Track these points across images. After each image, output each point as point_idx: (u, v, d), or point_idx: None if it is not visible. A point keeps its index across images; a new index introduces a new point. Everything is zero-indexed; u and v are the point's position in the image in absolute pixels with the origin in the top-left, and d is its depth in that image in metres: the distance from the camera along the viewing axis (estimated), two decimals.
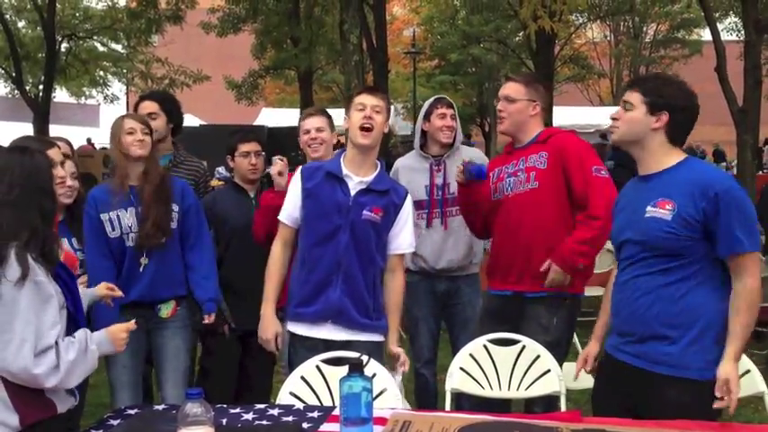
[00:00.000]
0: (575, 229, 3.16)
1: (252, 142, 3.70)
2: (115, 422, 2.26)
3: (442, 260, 3.74)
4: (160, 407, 2.47)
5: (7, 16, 18.09)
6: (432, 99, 3.87)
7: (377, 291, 2.95)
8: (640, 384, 2.38)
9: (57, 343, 2.07)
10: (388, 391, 2.64)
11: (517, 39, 21.49)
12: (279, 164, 3.31)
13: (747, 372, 2.68)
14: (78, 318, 2.29)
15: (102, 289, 2.85)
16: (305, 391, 2.71)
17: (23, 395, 2.08)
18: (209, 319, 3.26)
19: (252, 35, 19.37)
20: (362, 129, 2.87)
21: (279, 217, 3.03)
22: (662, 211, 2.34)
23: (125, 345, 2.36)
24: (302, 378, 2.74)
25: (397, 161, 4.02)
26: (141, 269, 3.15)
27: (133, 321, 2.40)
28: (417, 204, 3.57)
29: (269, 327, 2.95)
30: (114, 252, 3.15)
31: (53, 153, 2.81)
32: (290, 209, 2.97)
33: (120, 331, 2.32)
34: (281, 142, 12.92)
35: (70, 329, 2.20)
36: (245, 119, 20.39)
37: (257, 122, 20.30)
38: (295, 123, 14.77)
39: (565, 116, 18.60)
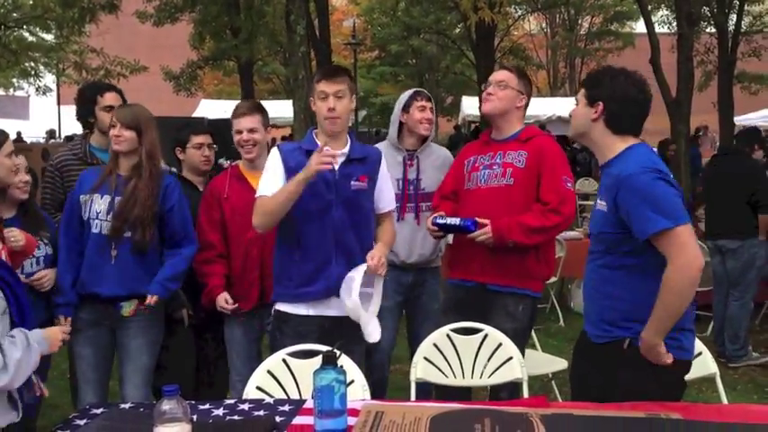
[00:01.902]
0: (525, 212, 3.22)
1: (205, 134, 3.71)
2: (81, 422, 2.20)
3: (414, 254, 3.77)
4: (126, 405, 2.42)
5: None
6: (411, 91, 3.89)
7: None
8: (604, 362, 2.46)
9: (1, 345, 2.01)
10: (356, 382, 2.65)
11: (457, 30, 21.70)
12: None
13: (699, 354, 2.80)
14: (25, 317, 2.21)
15: None
16: (272, 384, 2.70)
17: None
18: (150, 300, 3.12)
19: (190, 25, 18.97)
20: (328, 120, 2.92)
21: (259, 194, 2.95)
22: (601, 203, 2.45)
23: (58, 347, 2.37)
24: (268, 372, 2.73)
25: None
26: (112, 261, 3.10)
27: (68, 326, 2.44)
28: None
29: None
30: (80, 237, 3.12)
31: (6, 144, 2.70)
32: (275, 186, 2.91)
33: (56, 332, 2.34)
34: (222, 134, 12.71)
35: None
36: (184, 110, 19.99)
37: (196, 114, 19.93)
38: None
39: None
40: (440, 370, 3.01)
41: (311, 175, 2.76)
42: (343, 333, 2.82)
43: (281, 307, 3.01)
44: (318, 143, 2.93)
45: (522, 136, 3.35)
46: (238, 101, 17.94)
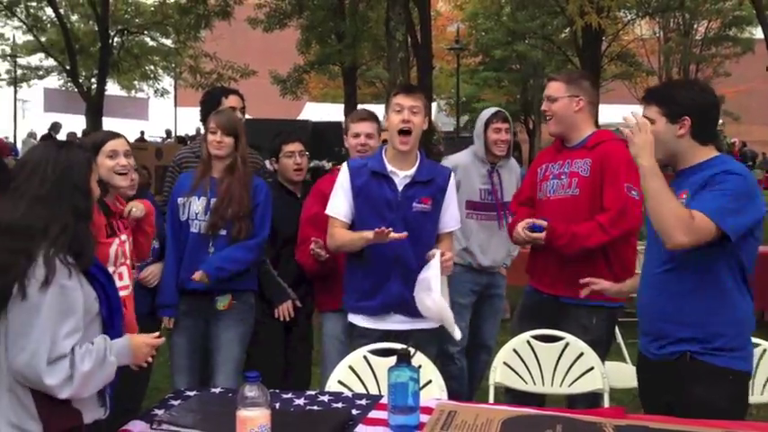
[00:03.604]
0: (584, 222, 3.16)
1: (295, 142, 3.80)
2: (176, 402, 2.38)
3: (488, 258, 4.01)
4: (216, 390, 2.59)
5: (62, 11, 18.60)
6: (490, 112, 4.03)
7: None
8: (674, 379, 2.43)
9: (73, 351, 1.97)
10: (433, 382, 2.72)
11: (563, 35, 21.29)
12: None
13: None
14: (114, 322, 2.18)
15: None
16: (353, 379, 2.80)
17: (48, 403, 1.99)
18: (195, 276, 3.21)
19: (297, 30, 19.56)
20: (401, 132, 2.99)
21: (329, 212, 3.12)
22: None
23: (146, 359, 2.22)
24: (350, 367, 2.83)
25: (452, 158, 4.17)
26: (209, 258, 3.28)
27: (158, 336, 2.26)
28: (469, 204, 3.90)
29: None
30: (181, 236, 3.32)
31: (118, 144, 2.91)
32: (342, 205, 3.07)
33: (143, 344, 2.19)
34: (325, 136, 13.13)
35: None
36: (290, 113, 20.66)
37: (301, 117, 20.55)
38: (338, 118, 14.89)
39: (611, 114, 18.33)
40: (519, 375, 3.03)
41: (372, 240, 2.89)
42: (411, 339, 2.90)
43: (351, 318, 3.15)
44: (386, 163, 3.04)
45: (589, 143, 3.27)
46: (342, 104, 18.29)
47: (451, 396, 2.76)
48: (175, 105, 28.08)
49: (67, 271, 2.00)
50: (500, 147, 3.94)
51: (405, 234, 2.87)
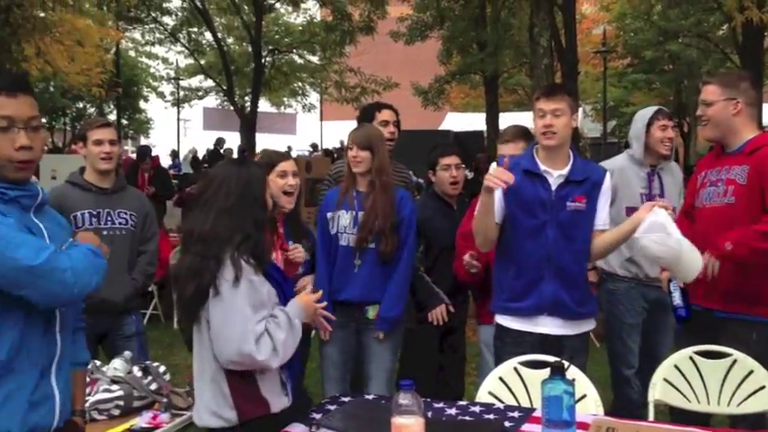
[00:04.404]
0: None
1: (451, 155, 3.84)
2: (332, 407, 2.47)
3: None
4: (370, 396, 2.65)
5: (219, 35, 19.90)
6: (651, 111, 3.82)
7: (586, 275, 3.02)
8: None
9: (267, 328, 2.24)
10: (588, 397, 2.63)
11: (721, 32, 19.97)
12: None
13: None
14: None
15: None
16: (503, 391, 2.77)
17: (242, 393, 2.27)
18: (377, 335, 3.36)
19: (438, 41, 19.71)
20: (544, 135, 2.98)
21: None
22: None
23: (316, 315, 2.48)
24: (500, 379, 2.81)
25: (607, 163, 4.00)
26: (356, 270, 3.37)
27: (320, 292, 2.55)
28: (630, 211, 3.61)
29: None
30: (331, 249, 3.41)
31: (289, 165, 3.17)
32: (495, 204, 3.02)
33: (308, 302, 2.43)
34: (467, 146, 13.10)
35: None
36: (431, 123, 20.78)
37: (442, 127, 20.63)
38: (480, 127, 14.78)
39: None
40: (681, 393, 2.86)
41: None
42: (563, 347, 2.83)
43: (499, 319, 3.10)
44: (538, 161, 3.00)
45: (747, 148, 3.05)
46: (483, 113, 18.12)
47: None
48: (321, 119, 29.14)
49: (253, 269, 2.26)
50: (666, 145, 3.73)
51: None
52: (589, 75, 25.23)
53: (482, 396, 2.74)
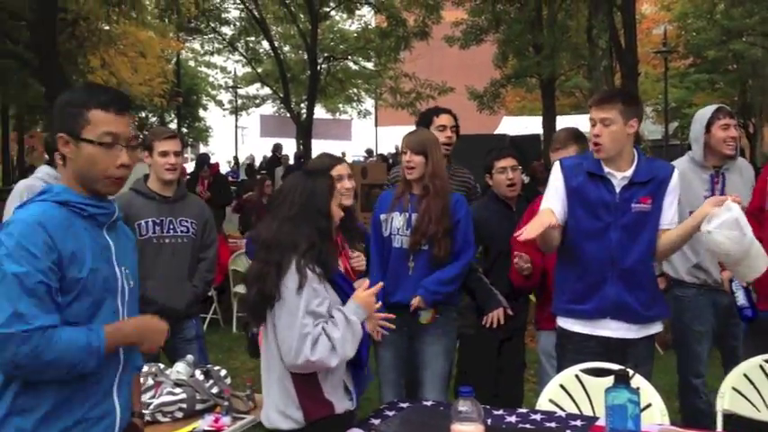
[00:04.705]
0: None
1: (507, 158, 3.81)
2: (390, 413, 2.46)
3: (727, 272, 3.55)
4: (428, 402, 2.64)
5: (276, 43, 20.22)
6: (710, 110, 3.67)
7: (654, 277, 2.94)
8: None
9: (324, 329, 2.28)
10: (653, 406, 2.56)
11: None
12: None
13: None
14: None
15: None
16: (564, 399, 2.72)
17: (308, 394, 2.33)
18: (413, 302, 3.30)
19: (493, 45, 19.58)
20: (594, 145, 2.95)
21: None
22: None
23: (375, 307, 2.48)
24: (561, 386, 2.76)
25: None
26: (410, 273, 3.36)
27: (380, 284, 2.55)
28: None
29: None
30: (384, 251, 3.42)
31: (343, 168, 3.20)
32: (556, 205, 2.98)
33: (367, 297, 2.44)
34: (523, 150, 12.92)
35: None
36: (486, 128, 20.60)
37: (498, 131, 20.45)
38: (536, 131, 14.60)
39: None
40: (750, 402, 2.76)
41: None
42: (628, 354, 2.76)
43: (561, 322, 3.03)
44: (602, 163, 2.93)
45: None
46: (539, 117, 17.93)
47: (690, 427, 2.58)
48: (376, 125, 29.25)
49: (317, 277, 2.33)
50: (729, 145, 3.55)
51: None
52: (649, 75, 24.64)
53: (542, 404, 2.69)
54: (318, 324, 2.28)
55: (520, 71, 19.08)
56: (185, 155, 23.32)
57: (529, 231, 2.73)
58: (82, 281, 1.85)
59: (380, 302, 2.60)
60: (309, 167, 3.29)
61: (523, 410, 2.48)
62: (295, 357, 2.25)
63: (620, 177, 2.92)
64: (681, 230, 2.90)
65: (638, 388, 2.51)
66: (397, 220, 3.40)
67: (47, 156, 4.44)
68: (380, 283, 2.57)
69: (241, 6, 19.42)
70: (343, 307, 2.39)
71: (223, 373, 3.04)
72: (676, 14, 23.38)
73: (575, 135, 3.61)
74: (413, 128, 3.79)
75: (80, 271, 1.85)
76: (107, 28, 14.22)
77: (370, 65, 21.76)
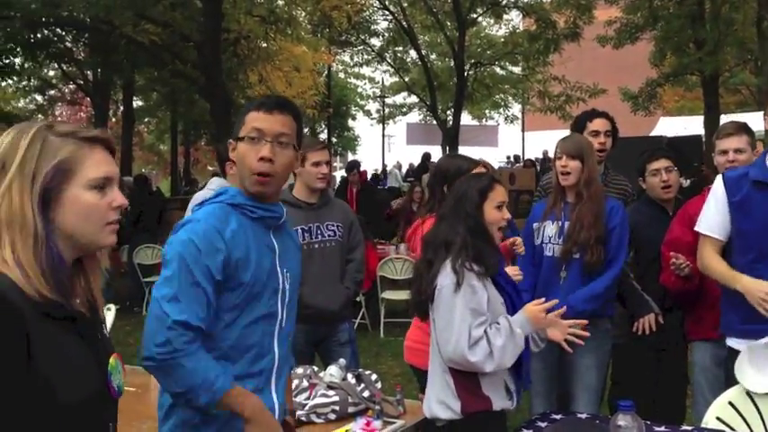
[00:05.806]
0: None
1: (660, 159, 3.65)
2: (543, 424, 2.40)
3: None
4: (583, 415, 2.54)
5: (423, 52, 20.43)
6: None
7: None
8: None
9: (486, 332, 2.35)
10: None
11: None
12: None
13: None
14: None
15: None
16: (734, 418, 2.52)
17: (465, 386, 2.42)
18: None
19: (649, 43, 18.65)
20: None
21: (699, 229, 2.92)
22: None
23: (547, 323, 2.50)
24: (730, 404, 2.56)
25: None
26: (561, 282, 3.27)
27: (554, 301, 2.54)
28: None
29: None
30: (535, 259, 3.36)
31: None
32: (718, 221, 2.81)
33: (538, 312, 2.47)
34: (682, 152, 12.14)
35: None
36: (641, 130, 19.65)
37: (654, 133, 19.46)
38: (697, 131, 13.68)
39: None
40: None
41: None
42: None
43: (731, 342, 2.80)
44: None
45: None
46: (700, 116, 16.80)
47: None
48: (523, 130, 28.74)
49: (475, 275, 2.40)
50: None
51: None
52: None
53: (709, 422, 2.52)
54: (482, 326, 2.35)
55: (679, 69, 18.01)
56: (334, 164, 24.18)
57: None
58: (247, 283, 1.93)
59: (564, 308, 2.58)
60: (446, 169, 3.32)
61: (688, 428, 2.33)
62: (453, 353, 2.35)
63: None
64: None
65: None
66: (550, 228, 3.33)
67: (209, 168, 4.75)
68: (555, 300, 2.56)
69: (390, 18, 19.81)
70: (512, 317, 2.44)
71: (374, 377, 3.10)
72: None
73: (746, 127, 3.35)
74: (562, 132, 3.69)
75: (246, 273, 1.93)
76: (265, 45, 15.03)
77: (517, 69, 21.45)
